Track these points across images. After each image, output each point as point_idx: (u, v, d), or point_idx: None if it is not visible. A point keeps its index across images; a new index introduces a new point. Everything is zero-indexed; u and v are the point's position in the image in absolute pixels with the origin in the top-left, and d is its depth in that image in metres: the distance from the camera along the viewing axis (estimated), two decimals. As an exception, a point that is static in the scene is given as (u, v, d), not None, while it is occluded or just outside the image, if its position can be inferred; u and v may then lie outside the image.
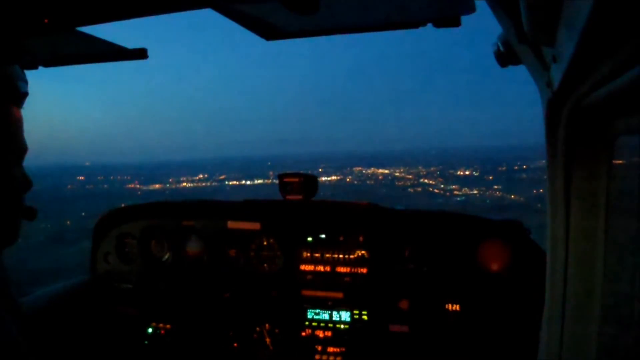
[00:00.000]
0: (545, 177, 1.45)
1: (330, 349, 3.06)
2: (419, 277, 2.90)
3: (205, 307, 3.25)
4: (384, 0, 1.41)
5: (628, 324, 1.31)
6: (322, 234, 3.10)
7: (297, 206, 3.14)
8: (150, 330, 3.35)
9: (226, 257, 3.26)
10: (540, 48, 1.29)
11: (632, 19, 0.70)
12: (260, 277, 3.20)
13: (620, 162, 1.30)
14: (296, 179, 3.10)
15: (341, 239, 3.06)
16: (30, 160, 1.44)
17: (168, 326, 3.34)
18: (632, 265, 1.28)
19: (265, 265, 3.22)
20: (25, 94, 1.41)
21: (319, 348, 3.08)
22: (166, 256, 3.41)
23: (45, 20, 1.31)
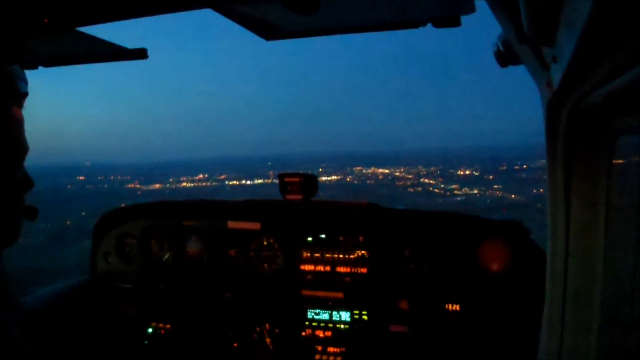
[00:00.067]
0: (545, 176, 1.45)
1: (330, 349, 3.06)
2: (419, 277, 2.90)
3: (205, 307, 3.25)
4: (384, 0, 1.41)
5: (628, 323, 1.31)
6: (322, 234, 3.10)
7: (297, 206, 3.14)
8: (150, 330, 3.35)
9: (226, 257, 3.26)
10: (540, 48, 1.29)
11: (632, 19, 0.70)
12: (260, 277, 3.20)
13: (621, 161, 1.30)
14: (296, 179, 3.09)
15: (341, 239, 3.06)
16: (30, 160, 1.44)
17: (168, 326, 3.34)
18: (633, 265, 1.28)
19: (265, 265, 3.22)
20: (25, 94, 1.41)
21: (319, 348, 3.08)
22: (166, 256, 3.41)
23: (45, 20, 1.31)
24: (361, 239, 3.02)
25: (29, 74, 1.54)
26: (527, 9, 1.01)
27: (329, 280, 3.07)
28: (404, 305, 2.90)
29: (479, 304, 2.79)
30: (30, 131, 1.43)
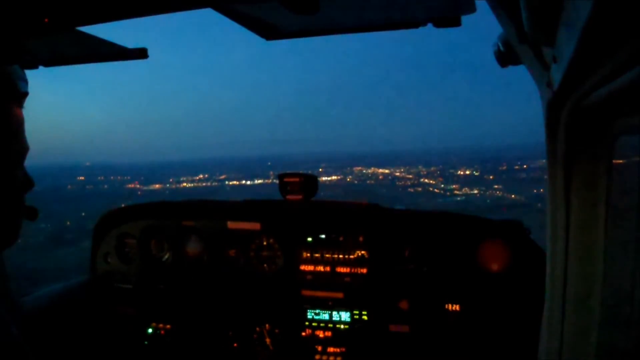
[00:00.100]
0: (545, 176, 1.45)
1: (330, 349, 3.06)
2: (419, 277, 2.90)
3: (205, 307, 3.25)
4: (384, 0, 1.41)
5: (628, 323, 1.31)
6: (322, 234, 3.10)
7: (297, 206, 3.14)
8: (150, 330, 3.35)
9: (226, 257, 3.26)
10: (540, 48, 1.29)
11: (632, 19, 0.70)
12: (260, 277, 3.20)
13: (621, 161, 1.30)
14: (296, 179, 3.09)
15: (341, 239, 3.06)
16: (30, 160, 1.44)
17: (168, 326, 3.34)
18: (633, 265, 1.28)
19: (265, 265, 3.22)
20: (26, 94, 1.41)
21: (319, 348, 3.08)
22: (166, 256, 3.41)
23: (45, 20, 1.31)
24: (361, 239, 3.02)
25: (29, 74, 1.54)
26: (527, 9, 1.01)
27: (329, 281, 3.07)
28: (404, 305, 2.90)
29: (479, 304, 2.79)
30: (31, 131, 1.43)
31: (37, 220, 1.53)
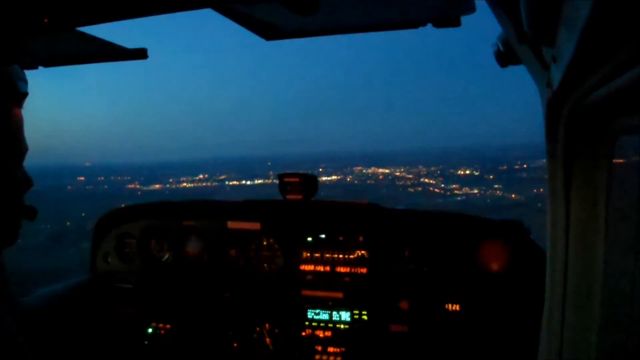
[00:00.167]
0: (545, 176, 1.45)
1: (330, 349, 3.06)
2: (419, 277, 2.90)
3: (205, 307, 3.25)
4: (384, 0, 1.41)
5: (628, 323, 1.31)
6: (322, 234, 3.10)
7: (297, 206, 3.14)
8: (150, 330, 3.35)
9: (226, 257, 3.26)
10: (540, 48, 1.29)
11: (632, 19, 0.70)
12: (260, 277, 3.20)
13: (621, 161, 1.30)
14: (296, 179, 3.09)
15: (341, 239, 3.06)
16: (30, 161, 1.44)
17: (168, 326, 3.34)
18: (633, 265, 1.28)
19: (265, 265, 3.22)
20: (25, 94, 1.41)
21: (319, 348, 3.08)
22: (166, 256, 3.41)
23: (45, 20, 1.31)
24: (361, 239, 3.02)
25: (29, 74, 1.54)
26: (527, 9, 1.01)
27: (329, 280, 3.07)
28: (404, 305, 2.89)
29: (479, 304, 2.78)
30: (30, 131, 1.43)
31: (37, 221, 1.53)
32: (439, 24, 1.52)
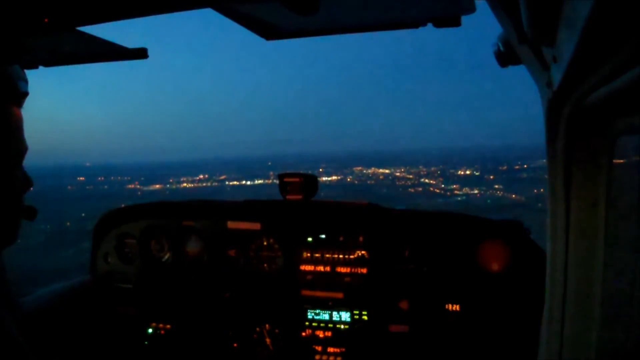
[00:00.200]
0: (546, 176, 1.45)
1: (330, 349, 3.06)
2: (419, 277, 2.90)
3: (205, 307, 3.25)
4: (384, 0, 1.41)
5: (628, 323, 1.31)
6: (322, 234, 3.10)
7: (297, 206, 3.14)
8: (150, 330, 3.35)
9: (226, 257, 3.26)
10: (540, 48, 1.29)
11: (632, 19, 0.70)
12: (260, 277, 3.20)
13: (621, 161, 1.30)
14: (296, 179, 3.09)
15: (341, 239, 3.06)
16: (30, 161, 1.44)
17: (168, 326, 3.34)
18: (633, 265, 1.28)
19: (265, 265, 3.22)
20: (26, 94, 1.42)
21: (319, 348, 3.07)
22: (166, 256, 3.41)
23: (45, 20, 1.31)
24: (361, 239, 3.02)
25: (29, 74, 1.54)
26: (527, 9, 1.01)
27: (329, 281, 3.07)
28: (404, 305, 2.89)
29: (479, 304, 2.78)
30: (31, 132, 1.43)
31: (38, 221, 1.53)
32: (439, 24, 1.52)
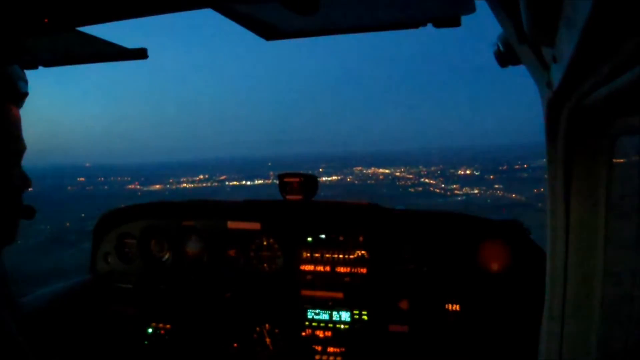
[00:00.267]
0: (546, 176, 1.45)
1: (330, 349, 3.05)
2: (419, 277, 2.90)
3: (205, 307, 3.25)
4: (384, 0, 1.41)
5: (628, 323, 1.31)
6: (322, 234, 3.10)
7: (297, 206, 3.14)
8: (150, 330, 3.35)
9: (226, 257, 3.26)
10: (540, 48, 1.29)
11: (632, 19, 0.70)
12: (260, 277, 3.20)
13: (621, 161, 1.30)
14: (296, 179, 3.09)
15: (341, 239, 3.06)
16: (30, 161, 1.44)
17: (168, 326, 3.33)
18: (632, 265, 1.28)
19: (265, 265, 3.22)
20: (25, 94, 1.42)
21: (319, 348, 3.07)
22: (166, 256, 3.41)
23: (45, 20, 1.31)
24: (361, 239, 3.02)
25: (29, 74, 1.54)
26: (527, 9, 1.01)
27: (329, 281, 3.07)
28: (404, 305, 2.89)
29: (479, 304, 2.78)
30: (31, 132, 1.43)
31: (37, 222, 1.54)
32: (439, 24, 1.52)
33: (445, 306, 2.83)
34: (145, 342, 3.36)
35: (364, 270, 3.01)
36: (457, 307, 2.81)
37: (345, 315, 3.02)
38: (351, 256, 3.04)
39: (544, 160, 1.43)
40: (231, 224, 3.22)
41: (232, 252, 3.25)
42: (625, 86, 0.89)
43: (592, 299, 1.35)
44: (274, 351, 3.15)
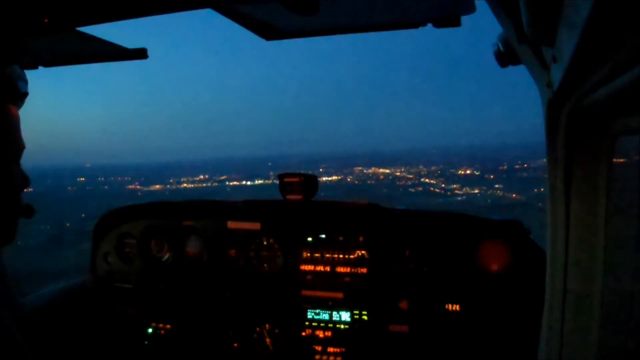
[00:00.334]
0: (546, 175, 1.45)
1: (330, 349, 3.05)
2: (419, 277, 2.90)
3: (205, 307, 3.25)
4: (384, 0, 1.41)
5: (628, 323, 1.31)
6: (322, 234, 3.10)
7: (297, 206, 3.14)
8: (150, 330, 3.35)
9: (226, 257, 3.26)
10: (540, 48, 1.29)
11: (632, 19, 0.70)
12: (260, 277, 3.20)
13: (621, 161, 1.30)
14: (296, 179, 3.09)
15: (341, 239, 3.06)
16: (30, 162, 1.44)
17: (168, 326, 3.33)
18: (632, 265, 1.28)
19: (265, 265, 3.22)
20: (25, 94, 1.42)
21: (319, 348, 3.07)
22: (166, 256, 3.41)
23: (45, 20, 1.31)
24: (361, 239, 3.02)
25: (29, 74, 1.54)
26: (527, 9, 1.01)
27: (329, 281, 3.07)
28: (404, 305, 2.89)
29: (479, 304, 2.78)
30: (31, 132, 1.43)
31: (37, 222, 1.54)
32: (439, 24, 1.53)
33: (445, 306, 2.83)
34: (146, 342, 3.36)
35: (364, 270, 3.01)
36: (457, 307, 2.81)
37: (345, 315, 3.02)
38: (351, 256, 3.04)
39: (544, 160, 1.43)
40: (231, 224, 3.22)
41: (232, 252, 3.25)
42: (625, 86, 0.89)
43: (592, 299, 1.35)
44: (274, 351, 3.15)
